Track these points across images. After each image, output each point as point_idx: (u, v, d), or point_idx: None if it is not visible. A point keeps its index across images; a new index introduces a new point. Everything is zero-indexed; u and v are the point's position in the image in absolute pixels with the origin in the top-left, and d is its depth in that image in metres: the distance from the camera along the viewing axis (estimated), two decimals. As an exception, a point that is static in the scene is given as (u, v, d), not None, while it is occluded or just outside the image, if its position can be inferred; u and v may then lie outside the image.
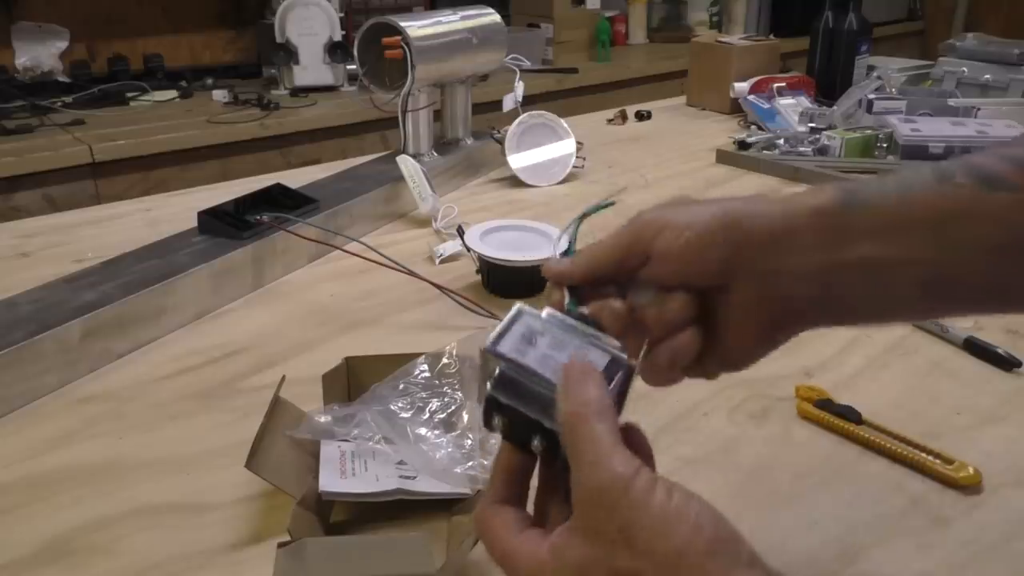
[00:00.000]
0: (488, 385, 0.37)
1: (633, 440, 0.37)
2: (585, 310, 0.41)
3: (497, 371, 0.38)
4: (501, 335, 0.38)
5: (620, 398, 0.38)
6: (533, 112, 1.31)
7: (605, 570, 0.33)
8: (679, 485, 0.33)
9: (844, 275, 0.40)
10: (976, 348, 0.76)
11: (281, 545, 0.47)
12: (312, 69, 2.31)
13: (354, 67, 1.41)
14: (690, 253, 0.41)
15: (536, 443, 0.37)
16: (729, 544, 0.32)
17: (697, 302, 0.42)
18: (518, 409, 0.37)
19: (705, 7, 3.23)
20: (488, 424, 0.38)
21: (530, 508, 0.39)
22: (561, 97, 2.49)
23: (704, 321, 0.43)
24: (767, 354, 0.44)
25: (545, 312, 0.40)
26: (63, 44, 2.31)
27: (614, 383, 0.38)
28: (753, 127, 1.56)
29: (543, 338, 0.39)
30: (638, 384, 0.70)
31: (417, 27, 1.12)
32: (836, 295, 0.41)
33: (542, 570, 0.35)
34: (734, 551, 0.32)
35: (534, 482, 0.40)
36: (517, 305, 0.40)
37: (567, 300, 0.42)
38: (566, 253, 0.43)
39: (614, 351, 0.39)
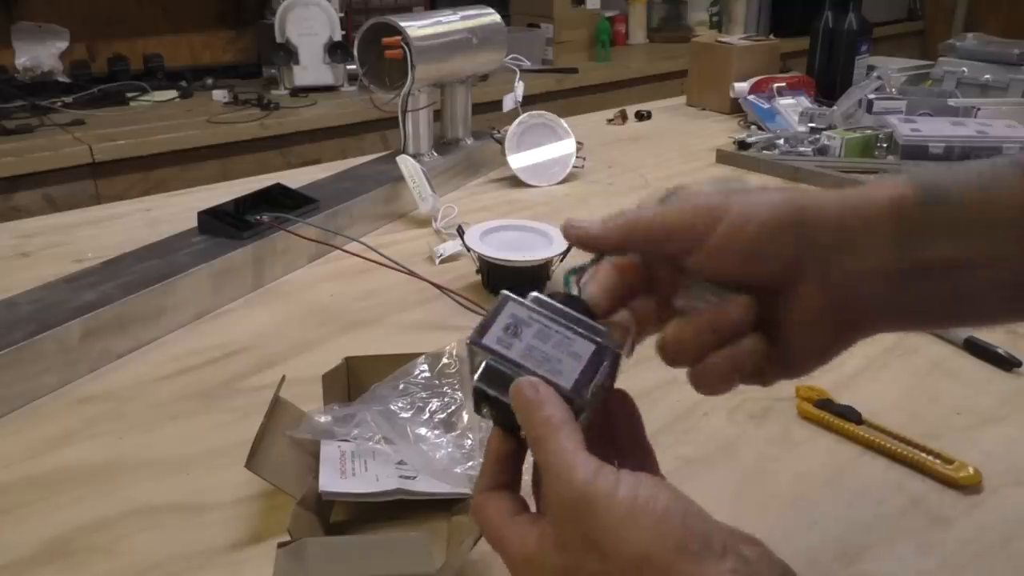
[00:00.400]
0: (474, 377, 0.37)
1: (620, 408, 0.39)
2: (575, 291, 0.40)
3: (483, 364, 0.37)
4: (486, 326, 0.38)
5: (606, 388, 0.38)
6: (533, 112, 1.31)
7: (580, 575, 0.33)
8: (646, 478, 0.33)
9: (921, 276, 0.37)
10: (976, 348, 0.76)
11: (281, 545, 0.47)
12: (312, 69, 2.31)
13: (354, 67, 1.41)
14: (753, 250, 0.38)
15: (524, 433, 0.37)
16: (698, 537, 0.31)
17: (758, 304, 0.39)
18: (504, 401, 0.37)
19: (705, 7, 3.23)
20: (478, 411, 0.38)
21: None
22: (561, 97, 2.49)
23: (763, 324, 0.39)
24: (831, 360, 0.41)
25: (531, 297, 0.39)
26: (63, 44, 2.31)
27: (599, 373, 0.37)
28: (753, 127, 1.56)
29: (528, 328, 0.38)
30: (637, 383, 0.70)
31: (417, 27, 1.12)
32: (911, 297, 0.38)
33: (531, 561, 0.35)
34: (704, 544, 0.31)
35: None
36: (503, 292, 0.39)
37: (564, 279, 0.41)
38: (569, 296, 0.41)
39: (600, 339, 0.38)
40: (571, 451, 0.34)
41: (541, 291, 0.40)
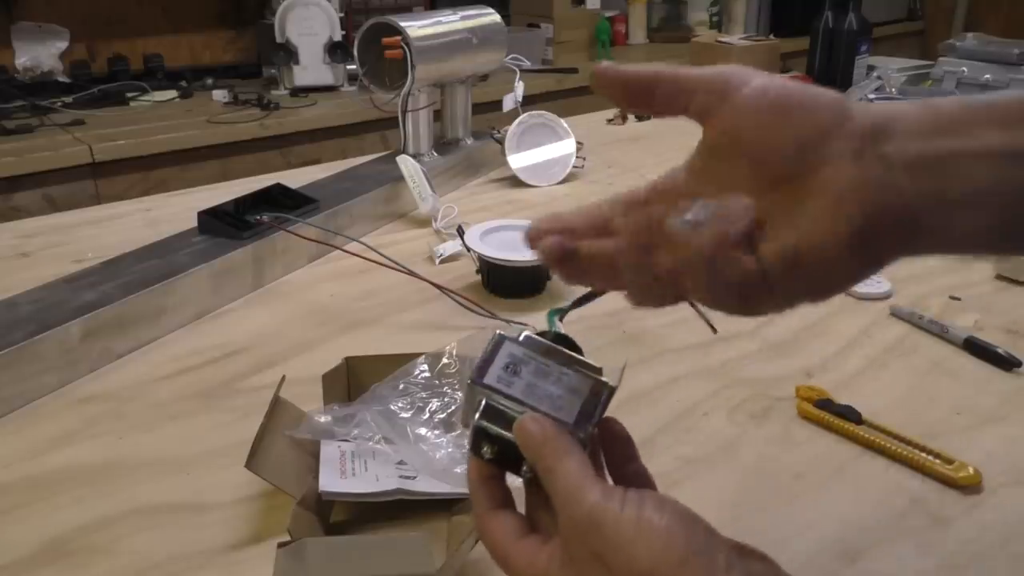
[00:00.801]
0: (475, 415, 0.38)
1: (611, 433, 0.39)
2: (561, 329, 0.41)
3: (484, 402, 0.38)
4: (485, 366, 0.39)
5: (599, 419, 0.39)
6: (533, 112, 1.31)
7: None
8: (651, 495, 0.34)
9: (964, 167, 0.32)
10: (976, 348, 0.76)
11: (281, 545, 0.47)
12: (312, 69, 2.31)
13: (354, 67, 1.41)
14: (787, 103, 0.34)
15: (526, 468, 0.38)
16: (703, 555, 0.32)
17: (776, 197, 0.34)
18: (508, 438, 0.38)
19: (705, 7, 3.23)
20: (476, 451, 0.39)
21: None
22: (561, 97, 2.49)
23: (775, 202, 0.34)
24: (854, 283, 0.35)
25: (523, 336, 0.40)
26: (63, 44, 2.31)
27: (598, 407, 0.38)
28: (753, 127, 1.56)
29: (526, 367, 0.39)
30: (637, 384, 0.70)
31: (417, 27, 1.12)
32: (951, 197, 0.32)
33: None
34: (709, 561, 0.32)
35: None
36: (497, 332, 0.40)
37: (548, 318, 0.42)
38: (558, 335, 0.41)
39: (594, 375, 0.39)
40: (580, 475, 0.35)
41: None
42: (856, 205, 0.33)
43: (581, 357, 0.40)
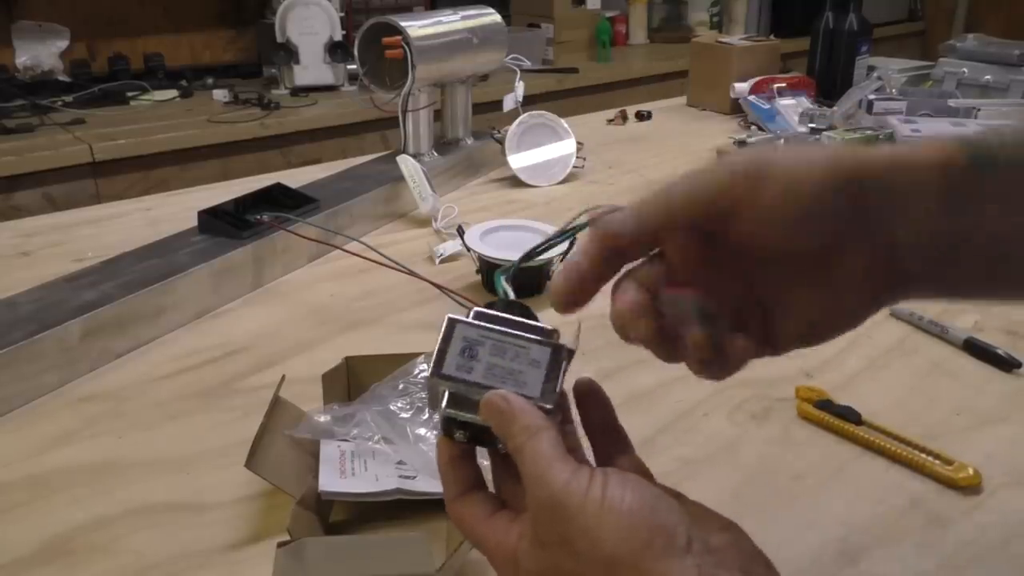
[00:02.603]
0: (442, 404, 0.38)
1: (592, 396, 0.40)
2: (511, 294, 0.41)
3: (447, 393, 0.38)
4: (441, 356, 0.38)
5: (561, 383, 0.38)
6: (533, 112, 1.31)
7: (555, 573, 0.34)
8: (614, 475, 0.34)
9: (967, 242, 0.35)
10: (976, 349, 0.76)
11: (281, 545, 0.47)
12: (312, 69, 2.31)
13: (354, 67, 1.41)
14: (804, 216, 0.35)
15: (501, 446, 0.38)
16: (662, 534, 0.32)
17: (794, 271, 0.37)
18: (478, 423, 0.37)
19: (705, 7, 3.23)
20: (449, 435, 0.39)
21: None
22: (561, 97, 2.49)
23: (790, 291, 0.37)
24: (858, 325, 0.39)
25: (473, 313, 0.39)
26: (63, 43, 2.31)
27: (561, 373, 0.38)
28: (753, 127, 1.56)
29: (483, 347, 0.38)
30: (638, 384, 0.70)
31: (417, 27, 1.12)
32: (955, 262, 0.36)
33: (513, 558, 0.36)
34: (668, 541, 0.32)
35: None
36: (447, 316, 0.39)
37: (495, 280, 0.42)
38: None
39: (551, 341, 0.38)
40: (548, 456, 0.34)
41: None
42: (871, 285, 0.37)
43: (535, 323, 0.39)
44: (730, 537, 0.34)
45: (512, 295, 0.41)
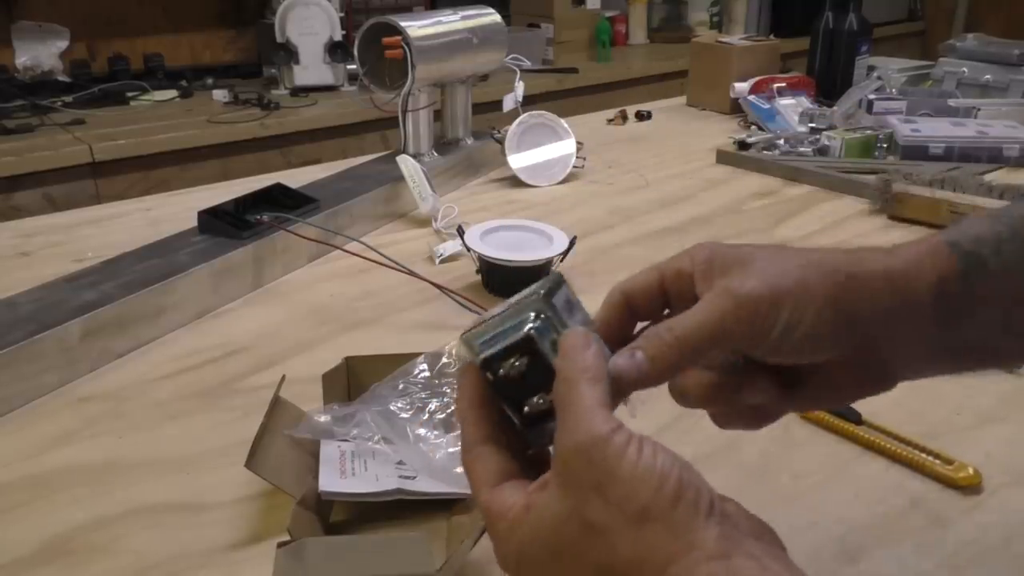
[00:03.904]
0: (527, 327, 0.37)
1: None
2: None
3: (542, 315, 0.37)
4: (552, 291, 0.38)
5: (573, 302, 0.40)
6: (533, 112, 1.31)
7: (578, 522, 0.33)
8: (650, 441, 0.34)
9: (964, 351, 0.41)
10: (976, 348, 0.76)
11: (281, 545, 0.47)
12: (312, 69, 2.31)
13: (354, 67, 1.41)
14: (813, 341, 0.38)
15: (537, 400, 0.37)
16: (692, 492, 0.33)
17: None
18: (546, 361, 0.37)
19: (705, 7, 3.23)
20: (492, 367, 0.37)
21: None
22: (561, 97, 2.49)
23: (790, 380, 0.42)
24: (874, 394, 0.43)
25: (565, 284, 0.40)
26: (63, 43, 2.31)
27: (564, 297, 0.39)
28: (753, 127, 1.56)
29: (577, 311, 0.40)
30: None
31: (417, 27, 1.12)
32: (948, 358, 0.41)
33: (514, 529, 0.35)
34: (696, 499, 0.33)
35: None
36: (556, 271, 0.40)
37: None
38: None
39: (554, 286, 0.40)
40: (599, 402, 0.35)
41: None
42: (864, 387, 0.43)
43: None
44: (735, 506, 0.36)
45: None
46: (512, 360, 0.37)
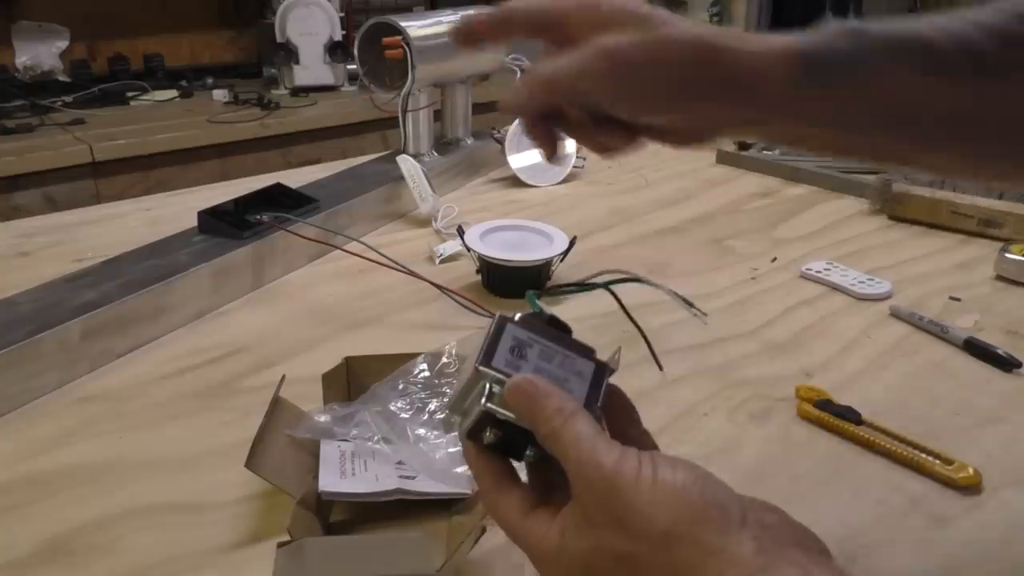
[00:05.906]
0: (482, 400, 0.37)
1: (616, 402, 0.40)
2: (549, 311, 0.41)
3: (488, 387, 0.37)
4: (492, 349, 0.38)
5: (603, 397, 0.39)
6: (533, 112, 1.31)
7: (609, 555, 0.33)
8: (662, 457, 0.34)
9: (803, 141, 0.44)
10: (976, 348, 0.76)
11: (281, 545, 0.47)
12: (312, 69, 2.32)
13: (354, 67, 1.41)
14: (658, 100, 0.41)
15: (529, 453, 0.38)
16: (716, 508, 0.32)
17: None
18: (514, 422, 0.37)
19: (705, 7, 3.23)
20: (475, 437, 0.38)
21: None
22: (561, 97, 2.49)
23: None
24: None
25: (519, 317, 0.39)
26: (63, 43, 2.31)
27: (602, 389, 0.39)
28: (753, 127, 1.56)
29: (531, 350, 0.38)
30: (638, 383, 0.70)
31: (417, 27, 1.12)
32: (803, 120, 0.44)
33: (556, 557, 0.36)
34: (723, 515, 0.32)
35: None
36: (497, 315, 0.39)
37: (531, 301, 0.42)
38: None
39: (594, 358, 0.39)
40: (591, 437, 0.34)
41: (537, 295, 0.41)
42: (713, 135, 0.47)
43: (575, 339, 0.40)
44: (779, 517, 0.35)
45: (549, 312, 0.41)
46: (486, 432, 0.38)
